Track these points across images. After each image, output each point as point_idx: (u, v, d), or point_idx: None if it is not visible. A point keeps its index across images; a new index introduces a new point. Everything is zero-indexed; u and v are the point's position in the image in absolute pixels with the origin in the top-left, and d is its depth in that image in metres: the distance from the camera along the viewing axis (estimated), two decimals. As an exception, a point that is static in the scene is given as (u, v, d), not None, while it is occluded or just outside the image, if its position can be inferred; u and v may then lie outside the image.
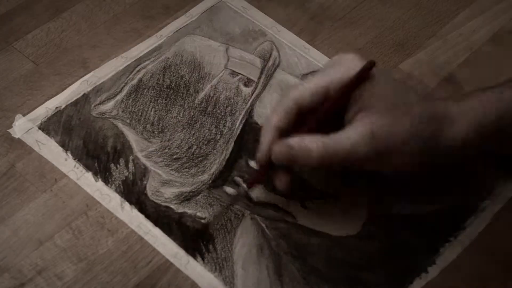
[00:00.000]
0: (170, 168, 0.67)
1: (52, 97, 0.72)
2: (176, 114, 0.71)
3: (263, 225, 0.64)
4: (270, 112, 0.61)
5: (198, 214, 0.65)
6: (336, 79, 0.61)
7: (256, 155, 0.63)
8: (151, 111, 0.71)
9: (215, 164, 0.68)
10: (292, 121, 0.61)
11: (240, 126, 0.70)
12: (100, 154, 0.68)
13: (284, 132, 0.61)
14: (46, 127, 0.69)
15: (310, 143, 0.59)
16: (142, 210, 0.65)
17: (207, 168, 0.67)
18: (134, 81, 0.73)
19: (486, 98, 0.62)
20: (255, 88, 0.73)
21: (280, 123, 0.61)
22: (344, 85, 0.61)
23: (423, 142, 0.60)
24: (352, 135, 0.59)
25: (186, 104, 0.72)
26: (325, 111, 0.61)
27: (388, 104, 0.60)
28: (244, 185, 0.63)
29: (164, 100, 0.72)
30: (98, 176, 0.66)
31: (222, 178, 0.67)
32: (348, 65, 0.61)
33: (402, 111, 0.60)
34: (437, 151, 0.60)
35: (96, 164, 0.67)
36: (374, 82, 0.61)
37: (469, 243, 0.64)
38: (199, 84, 0.73)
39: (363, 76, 0.61)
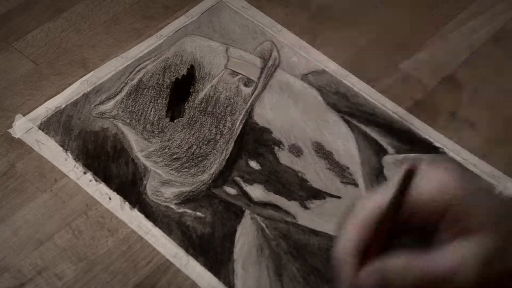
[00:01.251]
0: (170, 168, 0.67)
1: (52, 97, 0.72)
2: (176, 114, 0.71)
3: (263, 225, 0.64)
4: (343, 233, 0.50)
5: (198, 214, 0.65)
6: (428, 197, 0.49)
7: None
8: (151, 111, 0.71)
9: (215, 164, 0.68)
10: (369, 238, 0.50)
11: (240, 126, 0.70)
12: (100, 154, 0.68)
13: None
14: (46, 127, 0.69)
15: (401, 264, 0.48)
16: (142, 210, 0.65)
17: (207, 168, 0.67)
18: (134, 81, 0.73)
19: None
20: (255, 88, 0.73)
21: (359, 237, 0.49)
22: (391, 201, 0.49)
23: None
24: (453, 255, 0.47)
25: (186, 104, 0.72)
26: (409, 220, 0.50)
27: (495, 223, 0.48)
28: None
29: (164, 100, 0.72)
30: (98, 176, 0.66)
31: (222, 178, 0.67)
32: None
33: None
34: None
35: (96, 164, 0.67)
36: (471, 197, 0.49)
37: (469, 243, 0.64)
38: (199, 84, 0.73)
39: (405, 189, 0.48)
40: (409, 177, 0.48)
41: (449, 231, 0.48)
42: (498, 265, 0.47)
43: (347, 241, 0.49)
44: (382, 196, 0.49)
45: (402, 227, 0.49)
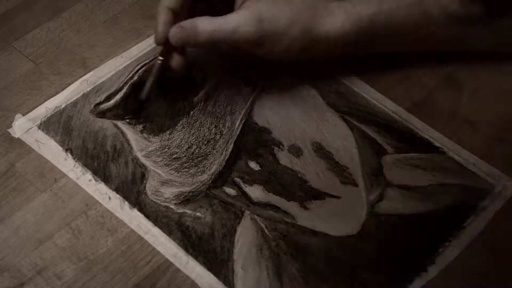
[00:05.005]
0: (170, 168, 0.67)
1: (51, 97, 0.72)
2: (175, 114, 0.71)
3: (263, 226, 0.64)
4: None
5: (198, 214, 0.65)
6: None
7: (154, 38, 0.68)
8: (151, 110, 0.71)
9: (214, 164, 0.68)
10: (184, 4, 0.68)
11: (240, 126, 0.70)
12: (99, 154, 0.68)
13: (178, 15, 0.68)
14: (45, 126, 0.69)
15: (199, 23, 0.66)
16: (141, 209, 0.65)
17: (206, 168, 0.67)
18: (134, 81, 0.73)
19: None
20: (255, 88, 0.73)
21: (170, 3, 0.68)
22: None
23: (303, 27, 0.68)
24: (238, 18, 0.66)
25: (186, 104, 0.72)
26: None
27: None
28: (159, 60, 0.68)
29: (164, 99, 0.72)
30: (98, 176, 0.66)
31: (221, 178, 0.67)
32: None
33: (285, 0, 0.68)
34: (316, 37, 0.69)
35: (95, 164, 0.67)
36: None
37: (469, 243, 0.64)
38: (199, 83, 0.73)
39: None
40: None
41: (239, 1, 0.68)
42: (270, 24, 0.67)
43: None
44: None
45: None
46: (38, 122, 0.70)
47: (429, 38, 0.72)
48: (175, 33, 0.67)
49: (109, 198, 0.65)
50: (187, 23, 0.67)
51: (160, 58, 0.68)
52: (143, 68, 0.74)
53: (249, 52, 0.68)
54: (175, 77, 0.73)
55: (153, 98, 0.71)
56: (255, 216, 0.65)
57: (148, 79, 0.69)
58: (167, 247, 0.63)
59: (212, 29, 0.66)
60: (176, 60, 0.69)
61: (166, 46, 0.68)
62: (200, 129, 0.70)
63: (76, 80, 0.73)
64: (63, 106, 0.71)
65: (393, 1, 0.70)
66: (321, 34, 0.69)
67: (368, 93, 0.74)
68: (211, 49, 0.72)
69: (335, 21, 0.69)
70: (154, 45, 0.75)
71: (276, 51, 0.68)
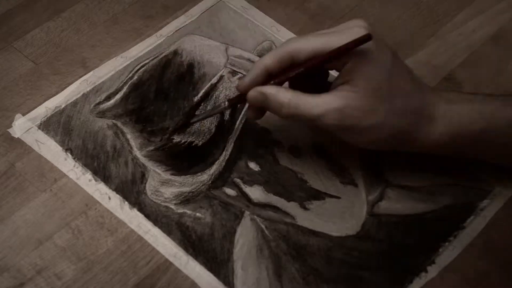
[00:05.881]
0: (170, 167, 0.67)
1: (51, 97, 0.72)
2: (175, 113, 0.71)
3: (263, 226, 0.64)
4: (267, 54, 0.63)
5: (198, 214, 0.65)
6: (333, 42, 0.61)
7: (238, 82, 0.64)
8: (150, 110, 0.71)
9: (214, 164, 0.68)
10: (283, 68, 0.63)
11: (240, 126, 0.70)
12: (99, 154, 0.68)
13: (272, 75, 0.63)
14: (45, 126, 0.69)
15: (283, 98, 0.61)
16: (141, 209, 0.65)
17: (206, 168, 0.67)
18: (134, 81, 0.73)
19: (478, 108, 0.63)
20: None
21: (271, 64, 0.63)
22: (333, 50, 0.61)
23: (395, 133, 0.62)
24: (322, 104, 0.61)
25: (185, 103, 0.72)
26: (306, 67, 0.62)
27: (374, 87, 0.61)
28: (225, 104, 0.65)
29: (163, 99, 0.72)
30: (98, 176, 0.66)
31: (221, 179, 0.67)
32: (352, 32, 0.61)
33: (384, 98, 0.61)
34: (407, 142, 0.63)
35: (95, 164, 0.67)
36: (372, 59, 0.61)
37: (469, 243, 0.64)
38: (199, 83, 0.73)
39: (351, 48, 0.60)
40: (362, 41, 0.60)
41: (338, 80, 0.62)
42: (354, 122, 0.61)
43: (270, 56, 0.63)
44: (317, 41, 0.61)
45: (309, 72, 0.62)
46: (38, 122, 0.70)
47: None
48: (257, 98, 0.63)
49: (109, 198, 0.65)
50: (270, 93, 0.62)
51: (227, 103, 0.66)
52: (143, 68, 0.74)
53: (325, 132, 0.63)
54: (175, 77, 0.74)
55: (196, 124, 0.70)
56: (255, 217, 0.65)
57: (207, 111, 0.70)
58: (167, 247, 0.63)
59: (294, 111, 0.61)
60: (251, 112, 0.65)
61: (242, 96, 0.64)
62: (200, 129, 0.70)
63: (76, 80, 0.73)
64: (63, 106, 0.71)
65: (503, 115, 0.63)
66: (411, 141, 0.63)
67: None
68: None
69: (434, 132, 0.63)
70: (154, 45, 0.76)
71: (360, 142, 0.64)
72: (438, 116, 0.62)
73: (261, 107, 0.64)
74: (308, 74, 0.62)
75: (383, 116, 0.61)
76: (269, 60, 0.63)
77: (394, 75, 0.62)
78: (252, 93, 0.63)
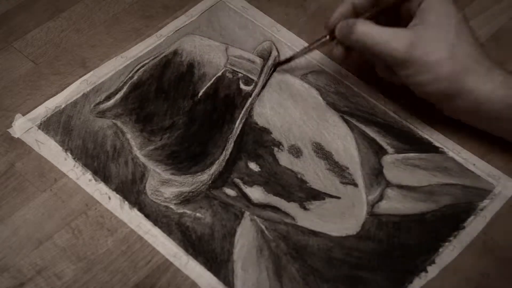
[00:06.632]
0: (170, 167, 0.67)
1: (51, 97, 0.72)
2: (175, 113, 0.71)
3: (263, 226, 0.64)
4: None
5: (198, 215, 0.65)
6: None
7: (325, 22, 0.71)
8: (150, 110, 0.71)
9: (214, 164, 0.68)
10: (369, 5, 0.70)
11: (240, 126, 0.70)
12: (99, 154, 0.68)
13: (359, 9, 0.70)
14: (45, 126, 0.69)
15: (358, 23, 0.67)
16: (141, 209, 0.65)
17: (206, 168, 0.67)
18: (134, 81, 0.73)
19: None
20: (255, 87, 0.73)
21: (358, 0, 0.70)
22: None
23: (452, 71, 0.65)
24: (394, 33, 0.66)
25: (185, 103, 0.72)
26: (389, 3, 0.70)
27: (443, 25, 0.66)
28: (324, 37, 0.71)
29: (163, 99, 0.72)
30: (98, 176, 0.66)
31: (221, 179, 0.67)
32: None
33: (451, 38, 0.66)
34: (461, 89, 0.66)
35: (95, 164, 0.67)
36: (445, 3, 0.67)
37: (469, 243, 0.64)
38: (199, 83, 0.73)
39: None
40: None
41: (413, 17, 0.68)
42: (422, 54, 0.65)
43: None
44: None
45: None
46: (38, 122, 0.70)
47: None
48: (340, 27, 0.69)
49: (109, 198, 0.65)
50: (351, 20, 0.68)
51: (326, 37, 0.71)
52: (143, 68, 0.74)
53: (392, 72, 0.69)
54: (175, 77, 0.74)
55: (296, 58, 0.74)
56: (255, 217, 0.65)
57: (307, 47, 0.73)
58: (167, 247, 0.63)
59: (366, 31, 0.67)
60: (336, 50, 0.71)
61: (331, 36, 0.71)
62: (200, 129, 0.70)
63: (76, 80, 0.73)
64: (63, 106, 0.71)
65: None
66: (465, 88, 0.66)
67: (368, 93, 0.74)
68: (365, 56, 0.72)
69: (489, 81, 0.66)
70: (154, 45, 0.76)
71: (417, 82, 0.67)
72: (496, 71, 0.66)
73: (342, 39, 0.69)
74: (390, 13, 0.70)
75: (447, 53, 0.65)
76: None
77: (462, 23, 0.67)
78: (339, 25, 0.69)
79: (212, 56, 0.75)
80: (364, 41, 0.67)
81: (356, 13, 0.70)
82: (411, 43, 0.65)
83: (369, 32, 0.67)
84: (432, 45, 0.65)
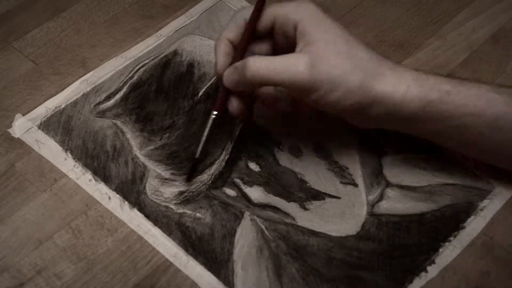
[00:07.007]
0: (170, 167, 0.67)
1: (51, 97, 0.72)
2: (175, 113, 0.71)
3: (263, 226, 0.64)
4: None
5: (198, 215, 0.65)
6: (281, 12, 0.64)
7: (214, 67, 0.65)
8: (150, 110, 0.71)
9: (214, 164, 0.68)
10: (241, 35, 0.65)
11: (240, 125, 0.70)
12: (99, 154, 0.68)
13: (236, 50, 0.65)
14: (45, 126, 0.69)
15: (250, 59, 0.62)
16: (141, 209, 0.65)
17: (206, 168, 0.67)
18: (134, 80, 0.73)
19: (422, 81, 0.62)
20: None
21: (230, 34, 0.65)
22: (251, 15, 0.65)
23: (360, 80, 0.61)
24: (291, 58, 0.61)
25: (185, 103, 0.72)
26: (249, 28, 0.65)
27: (331, 37, 0.62)
28: (213, 114, 0.64)
29: (163, 99, 0.72)
30: (98, 176, 0.66)
31: (222, 179, 0.67)
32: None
33: (345, 49, 0.62)
34: (374, 97, 0.61)
35: (95, 164, 0.67)
36: (322, 19, 0.63)
37: (469, 243, 0.64)
38: (199, 83, 0.73)
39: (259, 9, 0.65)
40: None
41: (300, 45, 0.62)
42: (326, 70, 0.60)
43: (226, 30, 0.66)
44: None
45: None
46: (38, 122, 0.70)
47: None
48: (229, 72, 0.63)
49: (109, 198, 0.65)
50: (238, 62, 0.63)
51: (214, 112, 0.63)
52: (143, 68, 0.74)
53: (301, 98, 0.63)
54: (175, 77, 0.74)
55: (204, 155, 0.66)
56: (255, 217, 0.65)
57: (203, 134, 0.64)
58: (167, 247, 0.63)
59: (261, 64, 0.61)
60: (233, 104, 0.64)
61: (223, 92, 0.64)
62: (200, 128, 0.70)
63: (76, 80, 0.73)
64: (63, 106, 0.71)
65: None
66: (379, 95, 0.61)
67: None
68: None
69: (399, 83, 0.62)
70: (154, 45, 0.76)
71: (329, 101, 0.61)
72: (403, 71, 0.62)
73: (235, 86, 0.63)
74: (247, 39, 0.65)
75: (349, 64, 0.61)
76: (226, 31, 0.66)
77: (345, 32, 0.63)
78: (226, 72, 0.63)
79: (212, 56, 0.75)
80: (261, 74, 0.61)
81: (235, 49, 0.65)
82: (311, 63, 0.60)
83: (264, 63, 0.61)
84: (331, 59, 0.60)
